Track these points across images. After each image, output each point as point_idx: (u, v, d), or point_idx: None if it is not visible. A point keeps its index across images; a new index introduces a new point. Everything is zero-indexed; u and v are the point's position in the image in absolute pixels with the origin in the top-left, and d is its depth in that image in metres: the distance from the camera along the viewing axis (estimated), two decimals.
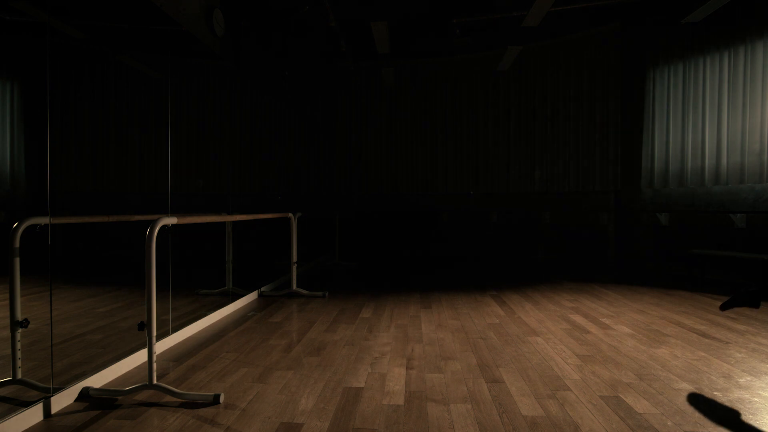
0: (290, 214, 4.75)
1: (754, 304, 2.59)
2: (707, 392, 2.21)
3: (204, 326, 3.48)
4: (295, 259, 4.78)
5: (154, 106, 4.33)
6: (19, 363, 2.16)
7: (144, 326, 2.15)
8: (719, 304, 4.22)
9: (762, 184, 5.29)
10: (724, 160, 5.70)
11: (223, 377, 2.43)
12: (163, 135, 3.46)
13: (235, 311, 4.02)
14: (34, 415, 1.90)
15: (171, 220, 2.32)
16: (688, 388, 2.27)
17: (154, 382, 2.15)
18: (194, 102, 5.54)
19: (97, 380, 2.28)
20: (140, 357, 2.62)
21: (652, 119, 6.66)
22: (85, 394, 2.15)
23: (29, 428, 1.86)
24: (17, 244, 2.13)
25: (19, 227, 2.13)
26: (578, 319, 3.70)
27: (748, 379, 2.39)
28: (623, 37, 7.08)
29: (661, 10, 6.43)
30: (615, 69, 7.13)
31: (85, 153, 3.87)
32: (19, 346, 2.15)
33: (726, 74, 5.71)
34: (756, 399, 2.14)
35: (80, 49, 3.56)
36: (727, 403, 2.08)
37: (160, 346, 2.86)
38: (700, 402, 2.10)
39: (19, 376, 2.16)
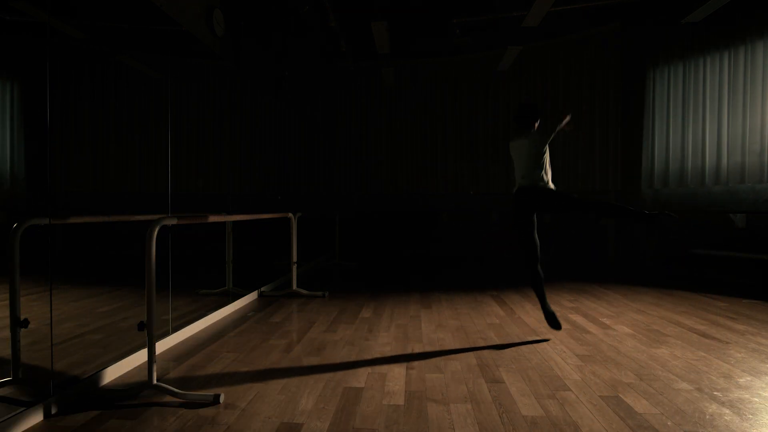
0: (290, 214, 4.75)
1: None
2: (707, 392, 2.21)
3: (204, 326, 3.48)
4: (295, 259, 4.78)
5: (154, 106, 4.33)
6: (19, 363, 2.16)
7: (144, 326, 2.15)
8: (720, 304, 4.23)
9: (762, 184, 5.29)
10: (724, 161, 5.70)
11: (223, 377, 2.43)
12: (163, 135, 3.46)
13: (235, 311, 4.02)
14: (34, 415, 1.90)
15: (171, 220, 2.32)
16: (688, 388, 2.27)
17: (154, 382, 2.15)
18: (194, 102, 5.54)
19: (98, 380, 2.28)
20: (140, 357, 2.62)
21: (652, 119, 6.66)
22: (86, 394, 2.15)
23: (29, 428, 1.86)
24: (17, 244, 2.13)
25: (20, 227, 2.13)
26: (578, 319, 3.70)
27: (748, 379, 2.39)
28: (623, 37, 7.07)
29: (661, 10, 6.43)
30: (615, 69, 7.13)
31: (85, 153, 3.88)
32: (19, 346, 2.15)
33: (726, 74, 5.71)
34: (756, 399, 2.14)
35: (80, 49, 3.56)
36: (727, 403, 2.08)
37: (160, 346, 2.86)
38: (699, 402, 2.10)
39: (20, 376, 2.16)
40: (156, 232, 2.18)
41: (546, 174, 3.21)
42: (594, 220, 3.29)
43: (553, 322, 3.16)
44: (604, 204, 3.06)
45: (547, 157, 3.22)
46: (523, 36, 7.17)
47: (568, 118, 3.18)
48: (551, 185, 3.19)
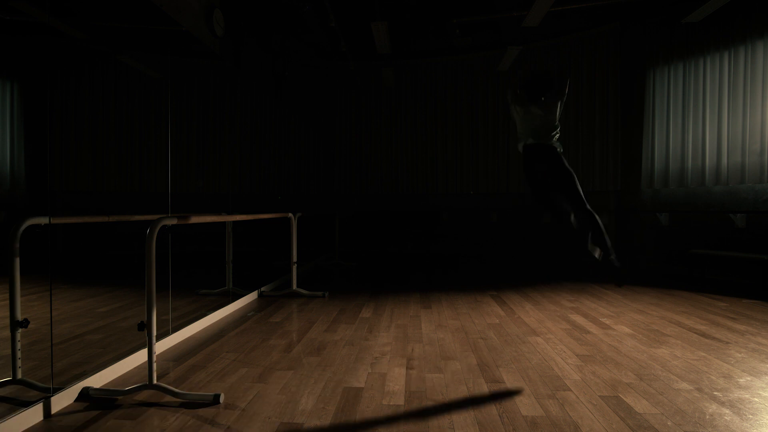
0: (290, 214, 4.75)
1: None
2: (707, 392, 2.21)
3: (204, 326, 3.48)
4: (295, 258, 4.78)
5: (154, 106, 4.33)
6: (19, 363, 2.16)
7: (144, 326, 2.15)
8: (720, 304, 4.23)
9: (762, 184, 5.28)
10: (724, 160, 5.70)
11: (223, 377, 2.43)
12: (164, 135, 3.46)
13: (235, 311, 4.02)
14: (34, 415, 1.90)
15: (171, 221, 2.32)
16: (688, 388, 2.27)
17: (154, 382, 2.15)
18: (194, 102, 5.54)
19: (97, 380, 2.28)
20: (140, 357, 2.62)
21: (652, 119, 6.66)
22: (85, 394, 2.15)
23: (29, 428, 1.86)
24: (17, 244, 2.13)
25: (19, 227, 2.13)
26: (578, 319, 3.70)
27: (748, 379, 2.39)
28: (623, 37, 7.08)
29: (661, 10, 6.43)
30: (615, 69, 7.13)
31: (85, 153, 3.88)
32: (19, 346, 2.15)
33: (726, 74, 5.71)
34: (756, 399, 2.14)
35: (80, 49, 3.56)
36: (727, 403, 2.08)
37: (160, 346, 2.86)
38: (699, 402, 2.10)
39: (19, 376, 2.16)
40: (156, 232, 2.18)
41: (556, 134, 3.20)
42: (564, 222, 3.22)
43: (618, 277, 3.05)
44: (590, 218, 3.05)
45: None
46: (523, 36, 7.16)
47: (569, 81, 3.21)
48: (558, 146, 3.18)
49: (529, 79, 3.14)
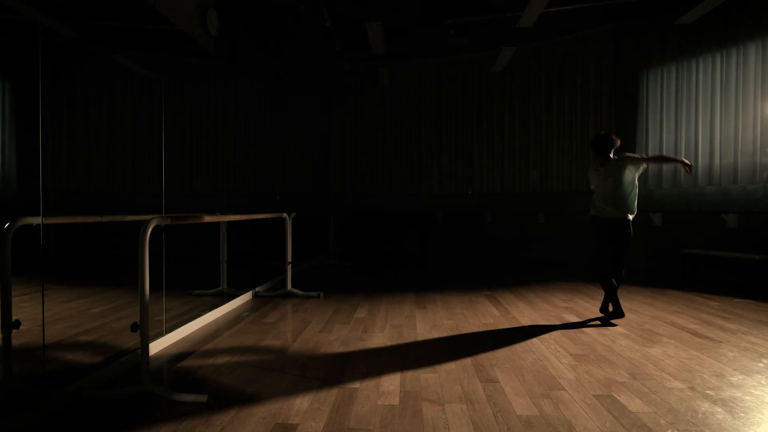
0: (285, 214, 4.74)
1: None
2: (700, 391, 2.23)
3: (198, 327, 3.46)
4: (289, 259, 4.77)
5: (148, 105, 4.30)
6: (10, 364, 2.14)
7: (137, 327, 2.13)
8: (712, 303, 4.26)
9: (754, 184, 5.33)
10: (716, 161, 5.75)
11: (218, 378, 2.42)
12: (157, 134, 3.44)
13: (229, 312, 4.00)
14: (26, 417, 1.88)
15: (164, 221, 2.31)
16: (681, 386, 2.29)
17: (148, 383, 2.14)
18: (189, 101, 5.52)
19: (91, 381, 2.26)
20: (133, 358, 2.60)
21: (645, 120, 6.71)
22: (79, 396, 2.13)
23: (26, 429, 1.84)
24: (9, 244, 2.11)
25: (11, 227, 2.11)
26: (572, 318, 3.72)
27: (740, 377, 2.41)
28: (617, 39, 7.12)
29: (655, 11, 6.48)
30: (608, 70, 7.18)
31: (77, 152, 3.85)
32: (10, 347, 2.13)
33: (718, 75, 5.76)
34: (748, 397, 2.16)
35: (73, 48, 3.53)
36: (720, 402, 2.10)
37: (154, 347, 2.85)
38: (692, 401, 2.12)
39: (11, 377, 2.14)
40: (149, 232, 2.16)
41: (632, 198, 3.71)
42: None
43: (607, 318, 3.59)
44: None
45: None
46: (518, 37, 7.19)
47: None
48: (633, 210, 3.73)
49: (592, 141, 3.51)
